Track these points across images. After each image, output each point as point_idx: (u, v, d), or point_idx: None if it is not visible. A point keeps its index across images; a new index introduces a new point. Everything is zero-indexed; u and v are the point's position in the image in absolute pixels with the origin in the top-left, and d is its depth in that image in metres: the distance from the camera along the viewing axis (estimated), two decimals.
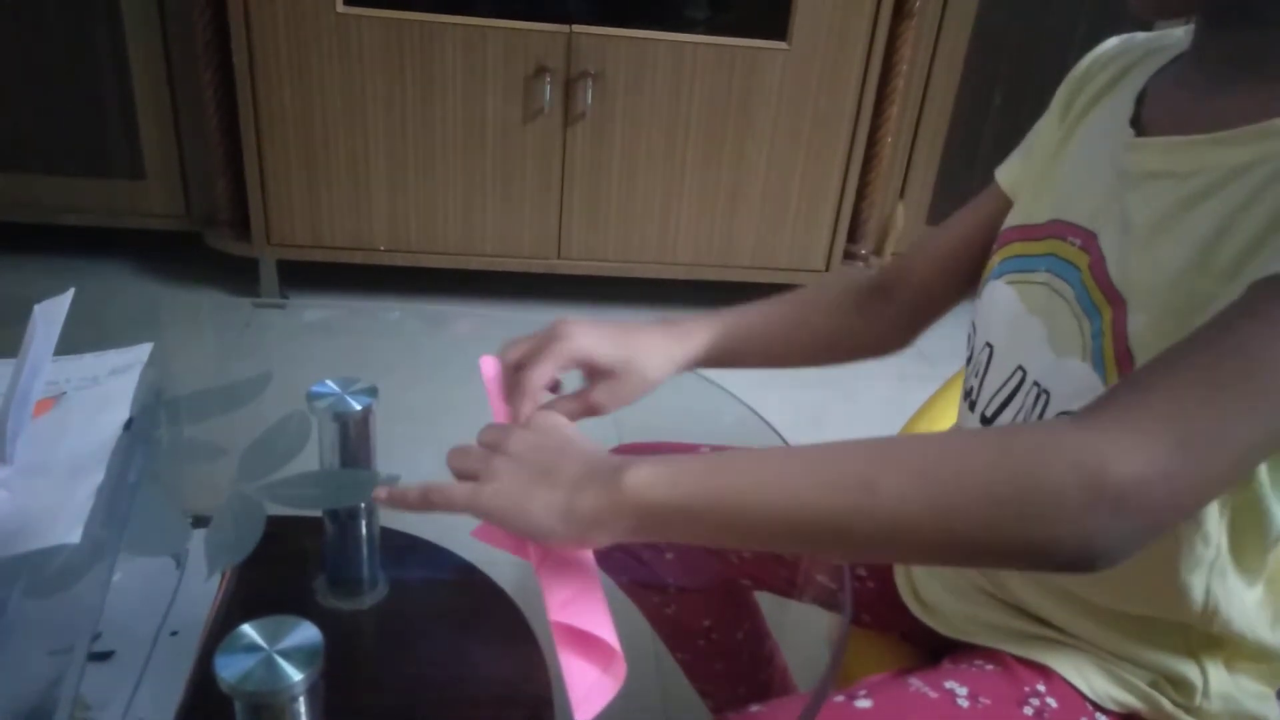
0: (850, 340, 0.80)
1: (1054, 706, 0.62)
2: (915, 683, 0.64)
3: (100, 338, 0.91)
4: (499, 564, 0.81)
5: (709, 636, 0.93)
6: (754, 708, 0.62)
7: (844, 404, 1.99)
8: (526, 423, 0.57)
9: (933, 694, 0.62)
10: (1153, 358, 0.47)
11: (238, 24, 1.87)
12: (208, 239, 2.15)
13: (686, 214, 2.17)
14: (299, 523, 0.83)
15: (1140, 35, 0.68)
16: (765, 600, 0.95)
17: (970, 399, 0.70)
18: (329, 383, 0.77)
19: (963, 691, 0.62)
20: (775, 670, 0.98)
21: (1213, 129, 0.54)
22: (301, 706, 0.50)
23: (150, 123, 2.05)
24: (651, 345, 0.71)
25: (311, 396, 0.76)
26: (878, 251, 2.36)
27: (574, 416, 0.68)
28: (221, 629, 0.61)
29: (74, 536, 0.68)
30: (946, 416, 1.01)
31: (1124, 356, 0.56)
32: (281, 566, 0.83)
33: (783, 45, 2.02)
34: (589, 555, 0.56)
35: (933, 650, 0.73)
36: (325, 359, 1.06)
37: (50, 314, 0.72)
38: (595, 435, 0.69)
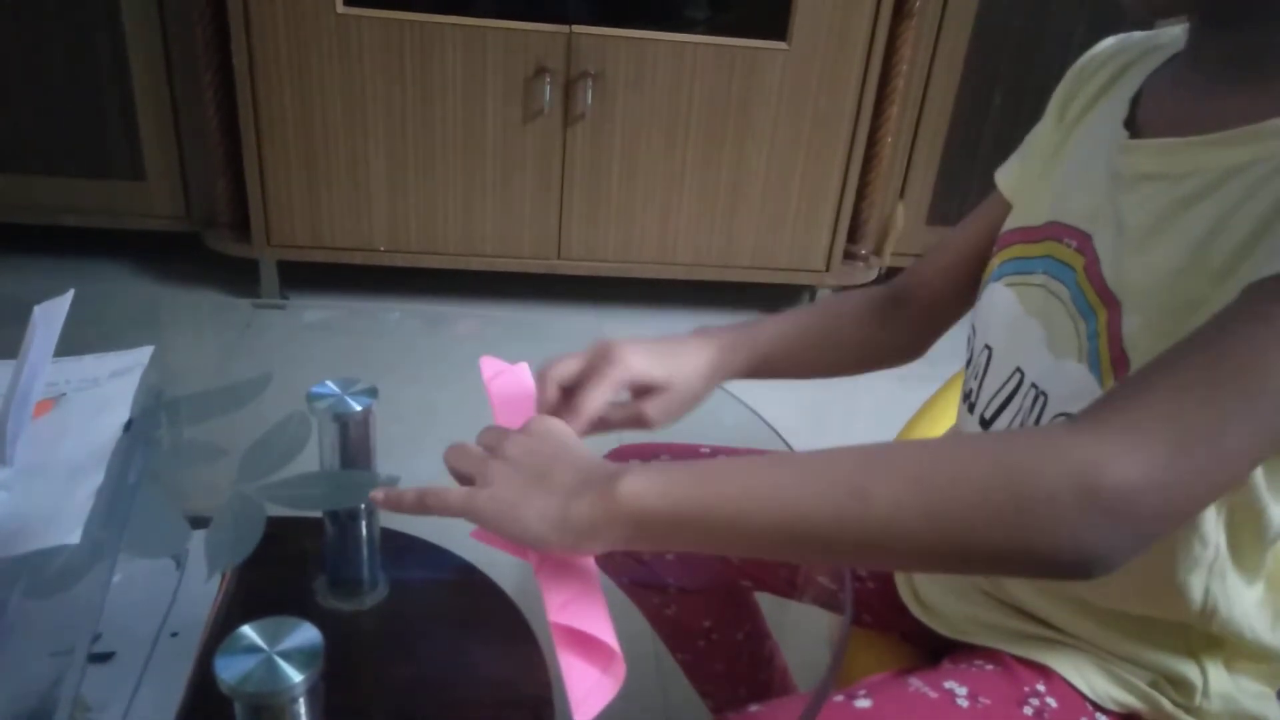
0: (877, 351, 0.82)
1: (1054, 706, 0.62)
2: (915, 683, 0.64)
3: (100, 339, 0.91)
4: (499, 564, 0.81)
5: (709, 637, 0.93)
6: (754, 708, 0.62)
7: (844, 404, 1.99)
8: (524, 426, 0.57)
9: (932, 694, 0.62)
10: (1149, 362, 0.47)
11: (238, 24, 1.87)
12: (208, 240, 2.15)
13: (686, 214, 2.17)
14: (299, 523, 0.83)
15: (1137, 34, 0.68)
16: (765, 600, 0.95)
17: (969, 401, 0.70)
18: (329, 383, 0.77)
19: (962, 691, 0.62)
20: (775, 671, 0.98)
21: (1207, 130, 0.54)
22: (301, 707, 0.50)
23: (150, 123, 2.05)
24: (697, 360, 0.72)
25: (311, 397, 0.76)
26: (878, 251, 2.36)
27: (623, 428, 0.69)
28: (221, 630, 0.62)
29: (74, 537, 0.68)
30: (946, 417, 1.01)
31: (1119, 358, 0.56)
32: (281, 567, 0.82)
33: (783, 45, 2.02)
34: (588, 557, 0.56)
35: (933, 650, 0.73)
36: (325, 360, 1.06)
37: (50, 315, 0.72)
38: (596, 435, 0.69)
